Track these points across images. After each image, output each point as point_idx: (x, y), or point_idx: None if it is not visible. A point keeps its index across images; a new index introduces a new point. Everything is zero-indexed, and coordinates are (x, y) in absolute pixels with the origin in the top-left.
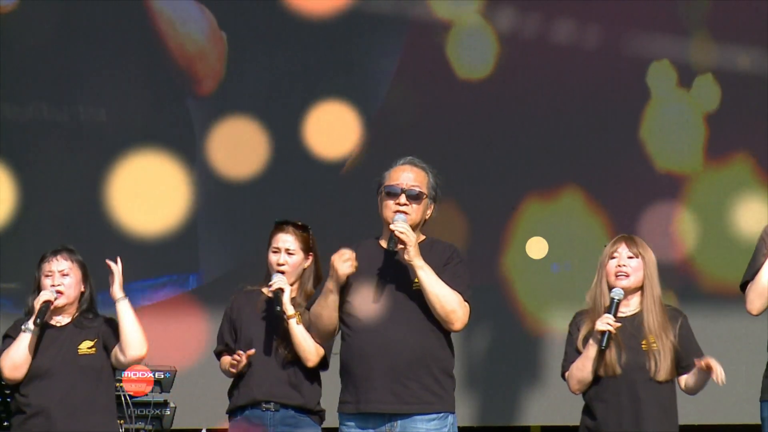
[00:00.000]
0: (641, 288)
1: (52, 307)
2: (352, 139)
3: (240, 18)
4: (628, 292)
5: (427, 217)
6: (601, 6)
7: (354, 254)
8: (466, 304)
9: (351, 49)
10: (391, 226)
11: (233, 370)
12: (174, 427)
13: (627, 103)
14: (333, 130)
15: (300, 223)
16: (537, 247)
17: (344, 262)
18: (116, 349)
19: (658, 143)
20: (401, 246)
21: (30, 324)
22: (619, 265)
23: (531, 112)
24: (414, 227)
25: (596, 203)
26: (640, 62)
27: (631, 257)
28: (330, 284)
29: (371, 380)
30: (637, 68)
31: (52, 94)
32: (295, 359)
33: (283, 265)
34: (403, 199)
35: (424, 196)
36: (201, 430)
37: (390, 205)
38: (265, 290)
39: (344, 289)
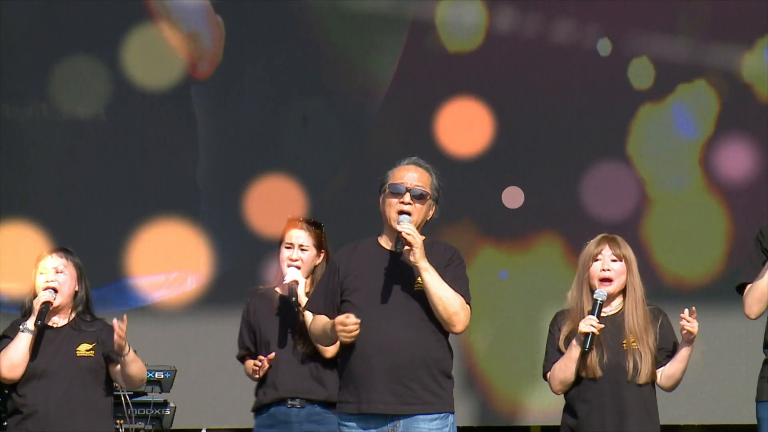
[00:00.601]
0: (624, 289)
1: (51, 308)
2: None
3: (238, 17)
4: (612, 294)
5: (428, 218)
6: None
7: (358, 323)
8: (468, 306)
9: (351, 49)
10: (398, 227)
11: (257, 376)
12: (174, 427)
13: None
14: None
15: (312, 220)
16: (513, 197)
17: (350, 333)
18: (115, 372)
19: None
20: (407, 248)
21: (29, 325)
22: (603, 269)
23: (532, 113)
24: (416, 227)
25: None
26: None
27: (614, 260)
28: (332, 335)
29: (372, 380)
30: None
31: (52, 94)
32: (314, 353)
33: (296, 260)
34: (407, 198)
35: (428, 196)
36: (201, 430)
37: (394, 203)
38: (278, 289)
39: (344, 290)
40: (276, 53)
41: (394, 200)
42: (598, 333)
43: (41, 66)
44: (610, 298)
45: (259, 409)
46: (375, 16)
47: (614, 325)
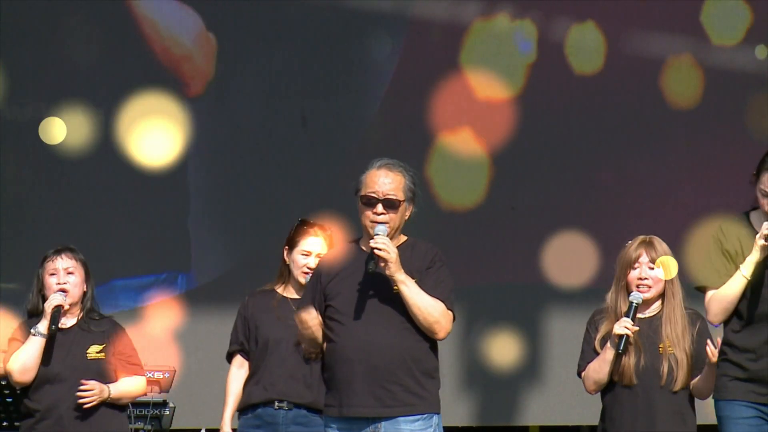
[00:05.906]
0: (662, 293)
1: (63, 311)
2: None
3: (239, 17)
4: (649, 298)
5: (406, 218)
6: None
7: (318, 318)
8: (449, 312)
9: (351, 49)
10: (371, 243)
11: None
12: (173, 427)
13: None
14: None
15: (322, 225)
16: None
17: (308, 329)
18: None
19: None
20: (382, 264)
21: (41, 329)
22: (640, 278)
23: (532, 111)
24: (393, 232)
25: None
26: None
27: (652, 267)
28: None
29: (353, 384)
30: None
31: (52, 94)
32: (317, 357)
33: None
34: (380, 208)
35: (401, 202)
36: (200, 430)
37: (368, 214)
38: (279, 290)
39: (327, 294)
40: (275, 53)
41: (368, 211)
42: (632, 335)
43: (42, 66)
44: (649, 301)
45: (244, 409)
46: (375, 16)
47: (651, 328)
